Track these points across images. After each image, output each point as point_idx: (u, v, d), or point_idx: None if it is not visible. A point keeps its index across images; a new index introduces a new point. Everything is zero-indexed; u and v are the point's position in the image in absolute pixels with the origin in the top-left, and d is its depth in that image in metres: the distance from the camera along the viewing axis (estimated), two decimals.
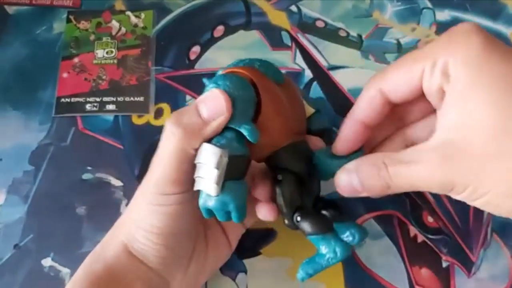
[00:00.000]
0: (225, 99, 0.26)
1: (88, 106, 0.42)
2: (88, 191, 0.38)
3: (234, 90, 0.27)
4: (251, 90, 0.27)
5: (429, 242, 0.37)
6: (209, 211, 0.27)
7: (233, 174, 0.26)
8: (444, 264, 0.36)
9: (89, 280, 0.29)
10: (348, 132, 0.29)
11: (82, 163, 0.40)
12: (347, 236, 0.29)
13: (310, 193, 0.30)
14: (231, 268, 0.36)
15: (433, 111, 0.27)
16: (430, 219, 0.38)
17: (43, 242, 0.37)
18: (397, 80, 0.26)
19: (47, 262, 0.36)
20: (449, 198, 0.38)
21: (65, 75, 0.43)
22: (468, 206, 0.38)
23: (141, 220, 0.29)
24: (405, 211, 0.38)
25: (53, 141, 0.40)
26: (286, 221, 0.29)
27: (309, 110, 0.32)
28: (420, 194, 0.39)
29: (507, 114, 0.22)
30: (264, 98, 0.28)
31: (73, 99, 0.42)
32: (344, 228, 0.29)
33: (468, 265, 0.36)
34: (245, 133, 0.26)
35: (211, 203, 0.26)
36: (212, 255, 0.33)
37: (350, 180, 0.27)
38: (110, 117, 0.42)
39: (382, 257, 0.37)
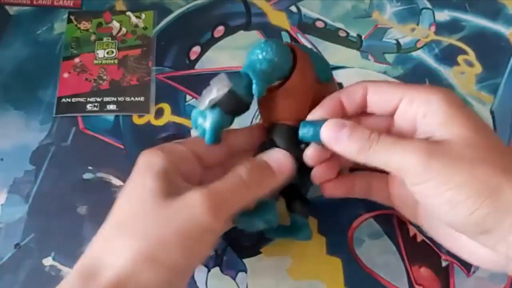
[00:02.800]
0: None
1: (89, 106, 0.42)
2: (89, 190, 0.39)
3: (273, 55, 0.30)
4: (287, 60, 0.30)
5: (428, 242, 0.37)
6: (194, 121, 0.31)
7: (226, 106, 0.29)
8: (444, 263, 0.37)
9: None
10: (328, 100, 0.31)
11: (83, 163, 0.40)
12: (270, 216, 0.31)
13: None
14: (231, 267, 0.36)
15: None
16: None
17: (44, 242, 0.37)
18: (381, 88, 0.30)
19: (48, 261, 0.36)
20: None
21: (66, 75, 0.43)
22: None
23: None
24: None
25: (54, 141, 0.41)
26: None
27: None
28: None
29: (487, 138, 0.27)
30: (295, 74, 0.30)
31: (74, 99, 0.42)
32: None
33: (467, 265, 0.36)
34: (254, 86, 0.29)
35: (195, 112, 0.31)
36: None
37: (339, 130, 0.29)
38: (110, 117, 0.42)
39: (382, 257, 0.37)
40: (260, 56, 0.30)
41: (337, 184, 0.33)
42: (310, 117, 0.31)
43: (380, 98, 0.30)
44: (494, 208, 0.25)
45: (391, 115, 0.30)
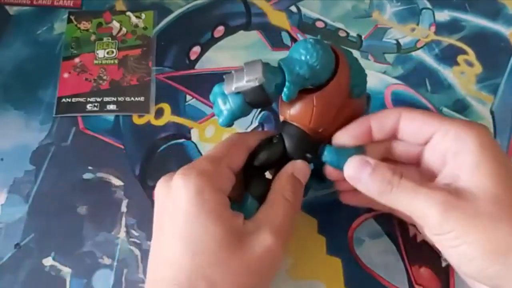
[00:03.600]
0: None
1: (89, 106, 0.42)
2: (89, 190, 0.39)
3: (316, 62, 0.29)
4: (329, 69, 0.29)
5: (428, 242, 0.37)
6: (213, 98, 0.30)
7: (250, 98, 0.28)
8: (444, 264, 0.36)
9: None
10: (356, 126, 0.30)
11: (83, 163, 0.40)
12: None
13: None
14: None
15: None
16: None
17: (44, 242, 0.37)
18: (416, 117, 0.30)
19: (48, 261, 0.36)
20: None
21: (66, 75, 0.43)
22: None
23: None
24: None
25: (54, 141, 0.41)
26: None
27: None
28: None
29: (508, 186, 0.26)
30: (330, 86, 0.29)
31: (74, 99, 0.42)
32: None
33: None
34: (285, 89, 0.28)
35: (217, 89, 0.30)
36: None
37: (362, 170, 0.28)
38: (110, 117, 0.42)
39: (382, 257, 0.37)
40: (303, 58, 0.29)
41: (358, 195, 0.32)
42: (336, 140, 0.31)
43: (414, 128, 0.30)
44: (507, 267, 0.25)
45: (423, 145, 0.30)
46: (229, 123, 0.30)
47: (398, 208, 0.28)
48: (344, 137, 0.31)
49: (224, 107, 0.29)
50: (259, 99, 0.28)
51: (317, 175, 0.32)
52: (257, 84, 0.28)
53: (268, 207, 0.29)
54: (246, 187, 0.31)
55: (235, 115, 0.29)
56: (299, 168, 0.31)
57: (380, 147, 0.32)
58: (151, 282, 0.29)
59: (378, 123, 0.30)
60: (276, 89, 0.28)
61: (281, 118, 0.32)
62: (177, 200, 0.28)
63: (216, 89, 0.30)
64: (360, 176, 0.28)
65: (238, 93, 0.28)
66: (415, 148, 0.31)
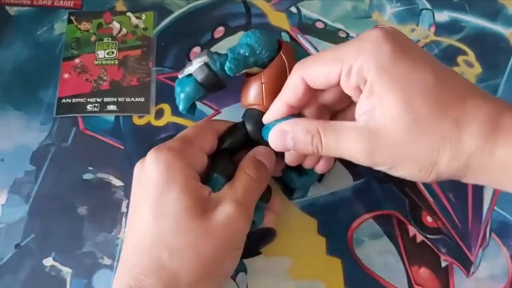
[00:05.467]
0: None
1: (89, 107, 0.42)
2: (89, 191, 0.39)
3: (254, 42, 0.32)
4: (269, 50, 0.32)
5: (428, 242, 0.37)
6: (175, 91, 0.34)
7: (200, 78, 0.32)
8: (443, 264, 0.37)
9: None
10: (276, 109, 0.32)
11: (83, 163, 0.40)
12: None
13: None
14: None
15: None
16: (429, 219, 0.38)
17: (44, 242, 0.37)
18: (317, 73, 0.30)
19: (48, 261, 0.36)
20: (448, 198, 0.39)
21: (66, 75, 0.43)
22: (467, 206, 0.39)
23: None
24: (404, 211, 0.38)
25: (54, 142, 0.41)
26: None
27: None
28: (419, 194, 0.39)
29: (416, 113, 0.26)
30: (272, 65, 0.32)
31: (74, 100, 0.42)
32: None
33: (467, 265, 0.37)
34: (226, 63, 0.32)
35: (175, 83, 0.34)
36: None
37: (284, 139, 0.30)
38: (111, 117, 0.42)
39: (382, 257, 0.37)
40: (245, 41, 0.32)
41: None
42: (264, 121, 0.33)
43: (322, 82, 0.30)
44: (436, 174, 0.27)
45: (338, 85, 0.30)
46: (187, 106, 0.33)
47: (335, 156, 0.30)
48: (267, 116, 0.32)
49: (181, 92, 0.33)
50: (208, 79, 0.32)
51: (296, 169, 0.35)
52: (202, 63, 0.32)
53: (232, 182, 0.32)
54: (212, 167, 0.33)
55: (189, 96, 0.33)
56: (261, 152, 0.33)
57: (311, 109, 0.33)
58: (121, 253, 0.31)
59: (293, 99, 0.31)
60: (221, 68, 0.32)
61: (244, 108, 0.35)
62: (148, 174, 0.30)
63: (175, 84, 0.34)
64: (286, 146, 0.30)
65: (190, 76, 0.32)
66: (336, 93, 0.32)
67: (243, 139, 0.34)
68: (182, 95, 0.33)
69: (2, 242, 0.37)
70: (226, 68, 0.32)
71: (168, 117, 0.42)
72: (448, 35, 0.46)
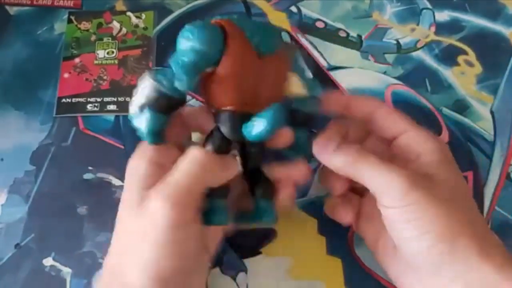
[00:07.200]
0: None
1: (89, 106, 0.42)
2: (89, 191, 0.39)
3: (197, 42, 0.27)
4: (215, 43, 0.27)
5: None
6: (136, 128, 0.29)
7: (155, 105, 0.28)
8: None
9: None
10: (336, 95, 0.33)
11: (83, 163, 0.40)
12: None
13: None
14: (232, 267, 0.36)
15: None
16: None
17: (44, 242, 0.37)
18: (389, 115, 0.31)
19: (48, 261, 0.36)
20: None
21: (66, 75, 0.43)
22: None
23: None
24: None
25: (54, 141, 0.41)
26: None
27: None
28: None
29: (463, 187, 0.30)
30: (226, 57, 0.27)
31: (74, 99, 0.42)
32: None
33: None
34: (176, 82, 0.26)
35: (132, 121, 0.29)
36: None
37: (329, 140, 0.30)
38: (111, 117, 0.42)
39: None
40: (185, 46, 0.27)
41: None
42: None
43: (388, 122, 0.31)
44: (449, 250, 0.27)
45: (390, 140, 0.31)
46: (155, 140, 0.29)
47: (360, 179, 0.29)
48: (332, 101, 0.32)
49: (140, 128, 0.29)
50: (162, 102, 0.28)
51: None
52: (151, 89, 0.28)
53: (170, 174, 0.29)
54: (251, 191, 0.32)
55: (151, 128, 0.28)
56: (189, 155, 0.29)
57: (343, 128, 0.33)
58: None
59: (358, 105, 0.32)
60: (172, 87, 0.27)
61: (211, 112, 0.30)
62: (153, 228, 0.28)
63: (130, 118, 0.29)
64: (326, 148, 0.30)
65: (143, 107, 0.28)
66: (382, 147, 0.32)
67: (222, 142, 0.29)
68: (145, 131, 0.29)
69: (2, 242, 0.37)
70: (177, 86, 0.27)
71: None
72: (449, 35, 0.46)
